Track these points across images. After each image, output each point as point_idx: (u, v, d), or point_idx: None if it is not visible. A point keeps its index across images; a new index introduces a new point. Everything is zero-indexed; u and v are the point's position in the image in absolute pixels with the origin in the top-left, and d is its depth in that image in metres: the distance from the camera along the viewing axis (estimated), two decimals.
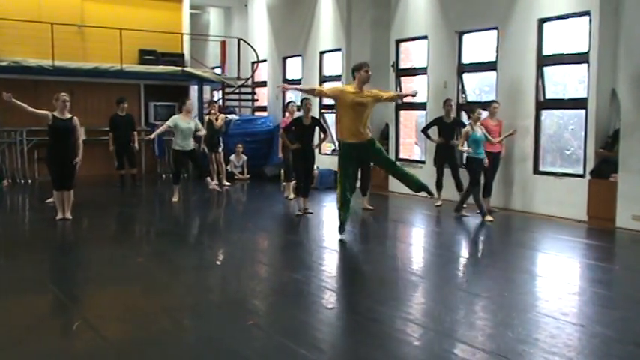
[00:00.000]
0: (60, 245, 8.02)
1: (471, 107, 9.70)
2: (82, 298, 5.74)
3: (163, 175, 15.01)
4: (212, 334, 4.53)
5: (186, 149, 10.84)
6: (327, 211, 9.68)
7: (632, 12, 8.53)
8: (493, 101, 10.26)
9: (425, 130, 10.97)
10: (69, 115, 8.79)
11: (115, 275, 6.32)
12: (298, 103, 12.42)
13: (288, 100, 13.32)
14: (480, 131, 9.35)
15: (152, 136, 11.26)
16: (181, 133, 10.70)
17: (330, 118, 12.46)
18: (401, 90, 12.85)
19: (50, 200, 9.80)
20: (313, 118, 9.81)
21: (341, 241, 7.78)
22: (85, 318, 4.90)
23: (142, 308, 5.33)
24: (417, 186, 7.83)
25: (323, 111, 14.63)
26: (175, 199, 10.80)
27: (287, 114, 11.72)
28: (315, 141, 10.11)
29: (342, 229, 7.93)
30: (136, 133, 12.46)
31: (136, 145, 12.53)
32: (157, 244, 8.30)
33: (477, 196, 9.39)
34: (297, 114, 11.11)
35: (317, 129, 9.87)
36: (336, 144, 14.23)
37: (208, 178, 11.22)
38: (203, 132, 11.42)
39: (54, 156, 8.83)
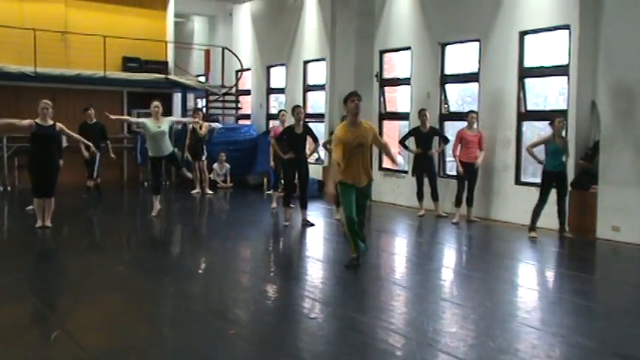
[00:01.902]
0: (39, 253, 7.92)
1: (552, 115, 9.07)
2: (61, 308, 5.67)
3: (145, 183, 14.91)
4: (193, 344, 4.50)
5: (161, 155, 9.97)
6: (310, 220, 9.67)
7: (612, 25, 8.66)
8: (471, 111, 10.35)
9: (402, 141, 11.05)
10: (51, 122, 8.72)
11: (95, 284, 6.25)
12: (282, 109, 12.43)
13: (278, 108, 13.27)
14: (561, 142, 8.75)
15: (112, 117, 10.44)
16: (152, 138, 9.89)
17: (315, 127, 12.47)
18: (385, 100, 12.92)
19: (30, 207, 9.70)
20: (305, 126, 9.72)
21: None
22: (63, 328, 4.84)
23: (122, 318, 5.28)
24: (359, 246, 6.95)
25: (307, 119, 14.65)
26: (155, 212, 10.07)
27: (278, 122, 11.70)
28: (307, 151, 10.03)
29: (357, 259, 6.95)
30: (108, 141, 11.84)
31: (112, 154, 11.89)
32: (138, 252, 8.23)
33: (536, 210, 8.85)
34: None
35: (308, 138, 9.78)
36: (321, 153, 14.29)
37: (184, 170, 10.57)
38: (184, 120, 10.71)
39: (35, 163, 8.74)
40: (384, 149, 7.36)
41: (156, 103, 10.01)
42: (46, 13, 14.60)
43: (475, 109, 10.81)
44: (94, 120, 11.63)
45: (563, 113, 9.34)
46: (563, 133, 8.82)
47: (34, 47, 13.51)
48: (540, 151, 8.99)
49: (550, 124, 8.88)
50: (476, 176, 10.22)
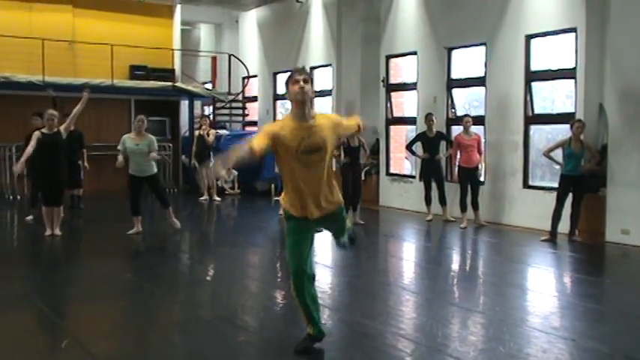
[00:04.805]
0: (48, 261, 7.95)
1: (571, 118, 8.93)
2: (70, 315, 5.69)
3: None
4: (202, 351, 4.49)
5: (141, 175, 8.95)
6: None
7: (618, 28, 8.63)
8: (465, 115, 10.35)
9: (409, 146, 11.04)
10: (55, 130, 8.81)
11: (104, 291, 6.27)
12: None
13: (285, 114, 13.27)
14: (579, 146, 8.66)
15: (118, 164, 9.14)
16: (132, 156, 8.93)
17: None
18: (391, 105, 12.90)
19: (30, 218, 9.86)
20: None
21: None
22: (73, 335, 4.85)
23: (131, 325, 5.29)
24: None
25: None
26: (133, 231, 9.12)
27: None
28: None
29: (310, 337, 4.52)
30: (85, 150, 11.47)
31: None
32: (146, 259, 8.25)
33: (555, 215, 8.75)
34: None
35: None
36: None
37: (170, 210, 9.46)
38: (155, 155, 9.01)
39: (43, 172, 8.81)
40: (360, 129, 4.77)
41: (140, 117, 9.18)
42: (54, 23, 14.70)
43: (482, 113, 10.81)
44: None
45: (570, 116, 9.31)
46: (582, 137, 8.75)
47: (43, 56, 13.61)
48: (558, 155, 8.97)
49: (570, 127, 8.82)
50: (478, 180, 10.20)
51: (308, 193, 4.26)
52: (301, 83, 4.19)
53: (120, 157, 9.07)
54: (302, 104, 4.23)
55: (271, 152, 4.23)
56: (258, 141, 4.14)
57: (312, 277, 4.44)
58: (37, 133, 8.74)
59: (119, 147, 9.02)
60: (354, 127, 4.69)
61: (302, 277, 4.33)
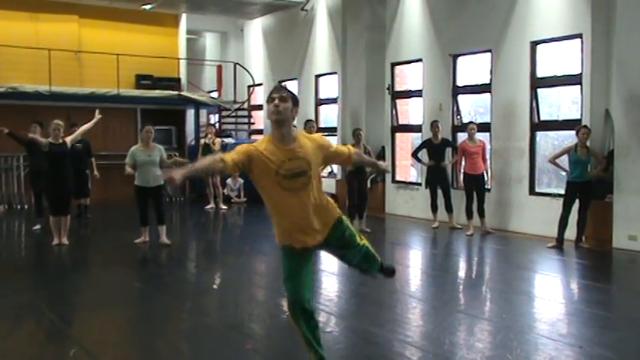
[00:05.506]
0: (56, 270, 7.97)
1: (577, 125, 8.94)
2: (78, 324, 5.71)
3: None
4: (209, 359, 4.50)
5: (148, 186, 8.91)
6: None
7: (624, 34, 8.64)
8: (470, 122, 10.36)
9: (414, 154, 11.05)
10: (61, 140, 8.88)
11: (112, 300, 6.29)
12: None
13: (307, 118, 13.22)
14: (585, 153, 8.66)
15: (128, 173, 9.05)
16: (142, 167, 8.88)
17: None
18: (397, 113, 12.91)
19: (37, 227, 9.88)
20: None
21: None
22: (81, 344, 4.86)
23: (139, 333, 5.31)
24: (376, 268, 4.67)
25: (319, 134, 14.67)
26: (140, 240, 9.16)
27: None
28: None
29: None
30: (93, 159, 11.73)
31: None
32: (153, 268, 8.27)
33: (561, 221, 8.75)
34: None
35: None
36: (333, 167, 14.24)
37: (164, 228, 9.20)
38: (167, 162, 9.12)
39: (51, 182, 8.87)
40: (362, 162, 4.77)
41: (148, 127, 9.12)
42: (60, 33, 14.81)
43: (488, 120, 10.81)
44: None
45: (576, 123, 9.30)
46: (588, 143, 8.73)
47: (49, 67, 13.72)
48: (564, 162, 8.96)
49: (576, 133, 8.80)
50: (483, 187, 10.20)
51: (297, 222, 3.90)
52: (276, 102, 3.86)
53: (129, 169, 8.97)
54: (278, 124, 3.87)
55: (246, 172, 3.89)
56: (232, 155, 3.84)
57: (312, 313, 4.07)
58: (44, 140, 8.84)
59: (127, 160, 8.95)
60: (344, 154, 4.24)
61: (300, 307, 3.97)
